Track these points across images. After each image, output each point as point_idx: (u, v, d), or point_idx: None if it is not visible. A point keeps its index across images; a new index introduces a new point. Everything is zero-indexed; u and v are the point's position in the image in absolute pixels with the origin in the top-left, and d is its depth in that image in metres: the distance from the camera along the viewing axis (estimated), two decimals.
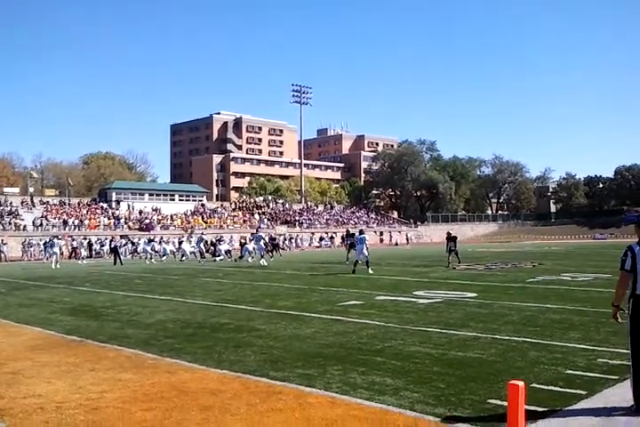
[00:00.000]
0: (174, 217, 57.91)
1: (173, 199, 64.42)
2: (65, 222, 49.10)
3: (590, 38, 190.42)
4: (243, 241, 36.74)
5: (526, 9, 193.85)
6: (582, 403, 5.25)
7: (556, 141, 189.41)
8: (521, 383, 4.06)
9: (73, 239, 43.27)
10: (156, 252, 37.93)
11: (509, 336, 8.45)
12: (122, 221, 53.37)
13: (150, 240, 39.03)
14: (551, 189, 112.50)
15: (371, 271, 21.16)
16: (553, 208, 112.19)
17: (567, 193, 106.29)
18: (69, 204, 55.92)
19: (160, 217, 57.20)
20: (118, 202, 58.81)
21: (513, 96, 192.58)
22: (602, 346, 7.61)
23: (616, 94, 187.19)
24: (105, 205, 57.63)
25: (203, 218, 60.01)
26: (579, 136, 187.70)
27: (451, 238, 26.00)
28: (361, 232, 23.08)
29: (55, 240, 32.78)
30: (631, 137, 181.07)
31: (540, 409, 5.04)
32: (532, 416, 4.71)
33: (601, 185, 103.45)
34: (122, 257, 34.87)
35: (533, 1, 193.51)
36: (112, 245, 37.63)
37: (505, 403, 4.52)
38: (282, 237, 48.84)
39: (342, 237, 42.24)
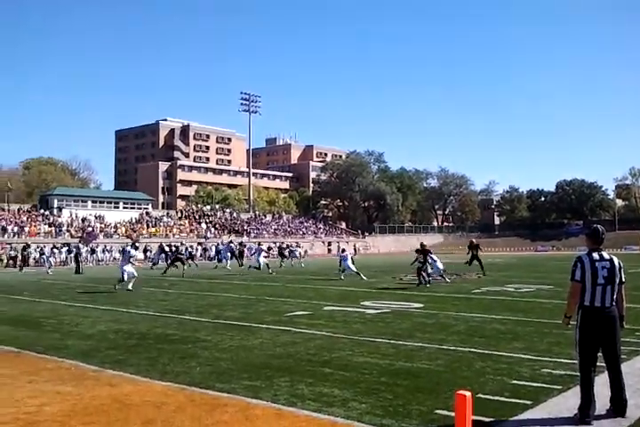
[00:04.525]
0: (118, 225, 56.67)
1: (117, 207, 62.83)
2: (3, 229, 47.46)
3: (536, 49, 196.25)
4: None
5: (470, 26, 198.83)
6: (528, 413, 5.31)
7: (500, 155, 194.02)
8: (468, 394, 4.07)
9: (11, 248, 41.92)
10: (100, 261, 37.13)
11: (456, 346, 8.52)
12: (64, 228, 51.90)
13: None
14: (495, 202, 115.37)
15: (364, 278, 23.27)
16: (497, 220, 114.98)
17: (510, 206, 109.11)
18: (8, 210, 54.06)
19: (103, 225, 55.88)
20: (60, 209, 56.98)
21: (459, 110, 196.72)
22: (545, 356, 7.74)
23: (557, 110, 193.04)
24: (46, 212, 55.95)
25: (148, 226, 58.90)
26: (522, 151, 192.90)
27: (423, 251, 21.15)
28: (343, 251, 26.85)
29: None
30: (571, 152, 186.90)
31: (486, 419, 5.06)
32: (478, 426, 4.73)
33: (543, 198, 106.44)
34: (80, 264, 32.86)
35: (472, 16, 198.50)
36: (74, 252, 35.66)
37: (452, 413, 4.53)
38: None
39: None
